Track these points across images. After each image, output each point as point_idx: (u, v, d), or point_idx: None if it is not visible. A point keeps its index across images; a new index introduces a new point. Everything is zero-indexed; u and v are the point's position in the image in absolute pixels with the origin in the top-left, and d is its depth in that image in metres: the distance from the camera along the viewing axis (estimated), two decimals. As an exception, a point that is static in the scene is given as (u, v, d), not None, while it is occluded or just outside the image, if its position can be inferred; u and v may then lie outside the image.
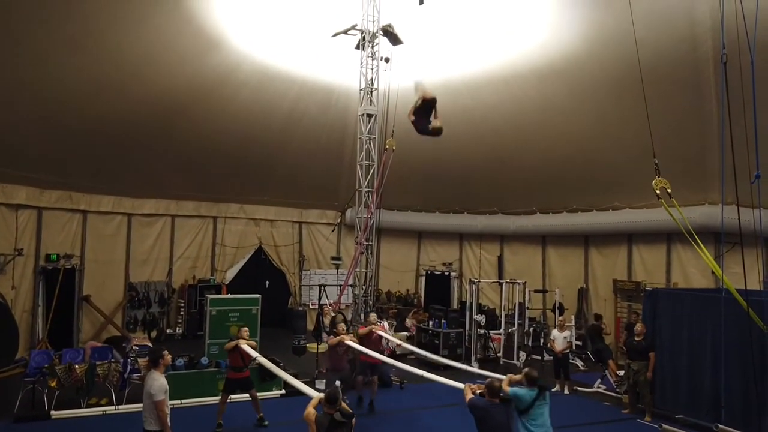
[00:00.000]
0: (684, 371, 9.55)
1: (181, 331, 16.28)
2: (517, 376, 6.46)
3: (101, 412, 9.38)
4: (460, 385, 6.25)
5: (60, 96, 11.26)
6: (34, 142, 12.04)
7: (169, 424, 6.19)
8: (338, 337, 9.69)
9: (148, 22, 10.61)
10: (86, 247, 14.63)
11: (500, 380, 6.33)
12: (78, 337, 14.22)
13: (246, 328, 9.24)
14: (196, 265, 16.87)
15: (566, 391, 11.63)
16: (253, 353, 8.66)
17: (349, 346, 9.63)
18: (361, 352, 9.62)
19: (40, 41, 10.00)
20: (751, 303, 6.33)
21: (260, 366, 10.69)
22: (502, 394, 5.96)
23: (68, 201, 14.17)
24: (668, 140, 10.39)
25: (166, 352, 6.47)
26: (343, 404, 5.60)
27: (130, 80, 11.67)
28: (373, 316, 10.98)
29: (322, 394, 5.65)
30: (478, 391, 6.09)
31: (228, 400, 9.23)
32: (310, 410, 5.51)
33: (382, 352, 10.25)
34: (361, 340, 10.15)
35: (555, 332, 12.09)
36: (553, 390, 11.46)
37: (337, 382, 6.63)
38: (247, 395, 9.39)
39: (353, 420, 5.49)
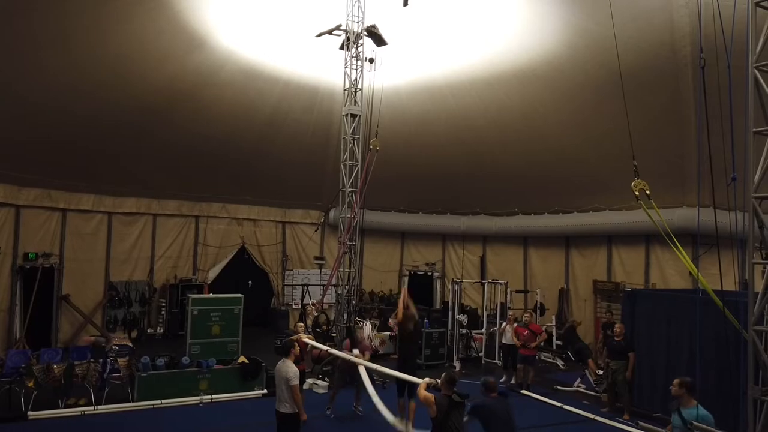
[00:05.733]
0: (661, 370, 9.71)
1: (162, 330, 16.13)
2: (427, 379, 6.19)
3: (80, 413, 9.24)
4: (419, 380, 6.21)
5: (39, 94, 11.11)
6: (13, 140, 11.85)
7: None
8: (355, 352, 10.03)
9: (129, 21, 10.51)
10: (65, 246, 14.42)
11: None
12: (56, 336, 14.02)
13: (301, 324, 10.22)
14: (178, 264, 16.71)
15: (512, 381, 11.87)
16: (321, 346, 9.45)
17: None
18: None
19: (19, 39, 9.87)
20: (727, 303, 6.44)
21: (242, 364, 10.74)
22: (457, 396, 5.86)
23: (47, 199, 13.96)
24: (647, 143, 10.56)
25: (295, 343, 7.57)
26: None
27: (112, 78, 11.56)
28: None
29: (428, 379, 6.07)
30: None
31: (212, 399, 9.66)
32: (426, 393, 5.82)
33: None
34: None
35: (507, 327, 12.48)
36: (501, 381, 11.73)
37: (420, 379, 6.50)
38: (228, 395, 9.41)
39: (466, 400, 5.83)
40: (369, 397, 10.08)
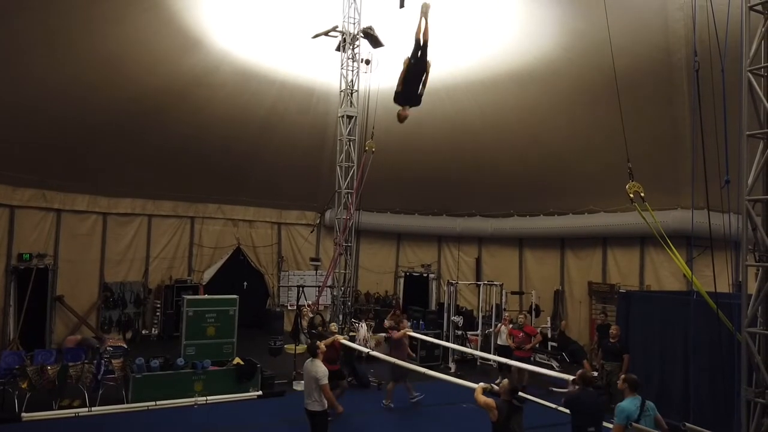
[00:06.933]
0: (656, 371, 9.75)
1: (156, 332, 16.09)
2: (482, 384, 6.47)
3: (73, 414, 9.22)
4: (474, 385, 6.43)
5: (34, 94, 11.08)
6: (7, 140, 11.81)
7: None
8: (402, 331, 10.76)
9: (125, 21, 10.50)
10: (60, 247, 14.38)
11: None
12: (50, 337, 13.98)
13: (334, 323, 10.76)
14: (173, 265, 16.68)
15: None
16: (359, 347, 9.89)
17: (411, 338, 11.14)
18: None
19: (13, 38, 9.84)
20: (720, 305, 6.46)
21: (237, 366, 10.73)
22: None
23: (42, 199, 13.91)
24: (642, 145, 10.61)
25: (320, 344, 7.73)
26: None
27: (107, 78, 11.54)
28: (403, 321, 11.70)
29: (482, 383, 6.29)
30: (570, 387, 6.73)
31: (207, 401, 9.68)
32: (485, 398, 6.03)
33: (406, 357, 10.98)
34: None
35: (502, 328, 12.61)
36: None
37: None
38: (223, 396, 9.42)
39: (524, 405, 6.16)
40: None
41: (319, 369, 7.15)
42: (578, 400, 6.41)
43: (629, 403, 6.03)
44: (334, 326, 10.43)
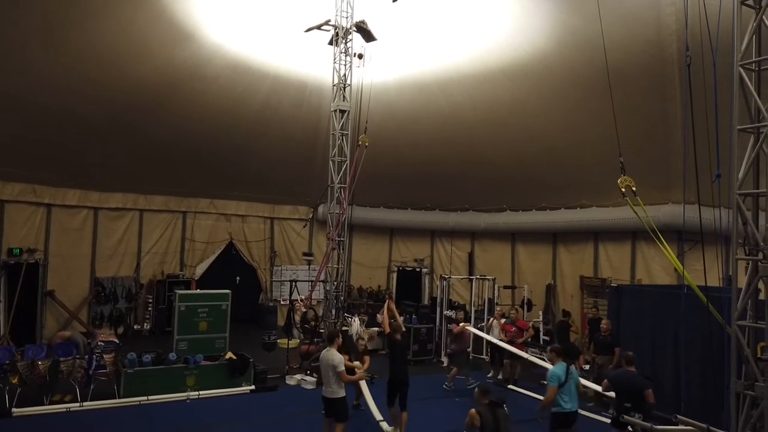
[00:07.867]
0: (647, 364, 9.79)
1: (148, 326, 16.02)
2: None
3: (65, 409, 9.19)
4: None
5: (24, 87, 10.98)
6: (-4, 133, 11.72)
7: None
8: (461, 325, 11.99)
9: (116, 14, 10.41)
10: (50, 242, 14.29)
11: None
12: (41, 333, 13.90)
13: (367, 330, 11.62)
14: (165, 260, 16.60)
15: (500, 376, 12.08)
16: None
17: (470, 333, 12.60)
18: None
19: (2, 34, 9.73)
20: (711, 299, 6.51)
21: (230, 360, 10.72)
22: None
23: (31, 194, 13.81)
24: (634, 140, 10.65)
25: (339, 334, 8.17)
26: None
27: (98, 72, 11.44)
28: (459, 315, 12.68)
29: (473, 410, 6.25)
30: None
31: (199, 395, 9.66)
32: (472, 415, 6.10)
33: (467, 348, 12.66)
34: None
35: (494, 322, 12.79)
36: (488, 376, 12.18)
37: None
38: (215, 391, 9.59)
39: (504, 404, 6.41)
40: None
41: (336, 357, 7.39)
42: (617, 378, 7.10)
43: (558, 369, 7.06)
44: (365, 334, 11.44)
